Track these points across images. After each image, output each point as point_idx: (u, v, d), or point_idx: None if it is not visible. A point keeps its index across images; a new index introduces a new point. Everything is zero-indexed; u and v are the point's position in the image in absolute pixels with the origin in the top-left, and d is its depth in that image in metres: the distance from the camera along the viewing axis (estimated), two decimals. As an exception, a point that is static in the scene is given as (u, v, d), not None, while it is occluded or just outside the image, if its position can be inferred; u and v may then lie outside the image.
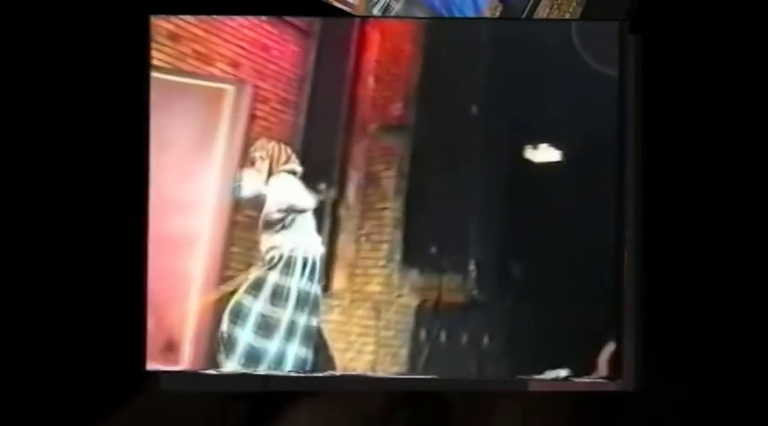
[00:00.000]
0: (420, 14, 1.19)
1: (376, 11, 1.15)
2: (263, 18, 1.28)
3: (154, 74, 1.25)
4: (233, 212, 1.27)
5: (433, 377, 1.22)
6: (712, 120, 1.12)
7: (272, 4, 1.16)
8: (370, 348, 1.24)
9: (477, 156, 1.25)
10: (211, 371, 1.22)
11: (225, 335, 1.25)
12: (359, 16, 1.28)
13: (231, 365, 1.24)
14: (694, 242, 1.07)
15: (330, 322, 1.26)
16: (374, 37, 1.29)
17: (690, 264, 1.07)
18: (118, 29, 1.10)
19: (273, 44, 1.29)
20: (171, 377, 1.22)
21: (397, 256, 1.27)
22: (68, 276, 1.05)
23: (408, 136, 1.27)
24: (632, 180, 1.21)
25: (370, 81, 1.29)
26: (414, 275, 1.26)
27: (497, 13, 1.21)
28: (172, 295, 1.24)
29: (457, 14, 1.22)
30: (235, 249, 1.27)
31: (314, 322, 1.26)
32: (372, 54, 1.29)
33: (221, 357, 1.24)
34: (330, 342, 1.25)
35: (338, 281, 1.27)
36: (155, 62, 1.25)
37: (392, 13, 1.15)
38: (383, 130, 1.28)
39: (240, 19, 1.27)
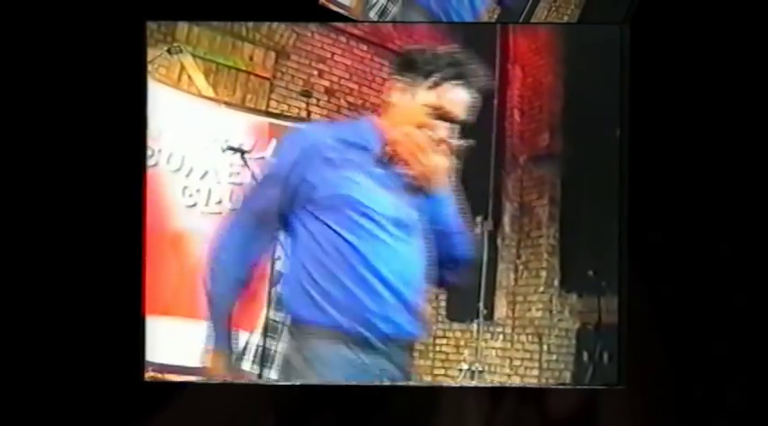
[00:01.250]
0: (417, 17, 1.15)
1: (372, 14, 1.13)
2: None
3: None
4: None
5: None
6: (712, 119, 1.07)
7: (269, 7, 1.16)
8: (534, 372, 1.27)
9: (624, 177, 1.26)
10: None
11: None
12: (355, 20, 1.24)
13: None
14: (694, 242, 1.02)
15: (493, 348, 1.30)
16: (515, 73, 1.34)
17: (689, 263, 1.03)
18: (115, 33, 1.09)
19: (421, 89, 1.37)
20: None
21: (556, 282, 1.30)
22: (71, 286, 1.05)
23: (557, 164, 1.30)
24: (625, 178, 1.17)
25: (516, 115, 1.34)
26: (573, 299, 1.28)
27: (495, 16, 1.16)
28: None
29: (454, 17, 1.17)
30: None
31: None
32: (515, 89, 1.34)
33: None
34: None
35: (499, 309, 1.32)
36: (313, 117, 1.35)
37: (389, 17, 1.13)
38: (533, 161, 1.32)
39: (389, 69, 1.35)
